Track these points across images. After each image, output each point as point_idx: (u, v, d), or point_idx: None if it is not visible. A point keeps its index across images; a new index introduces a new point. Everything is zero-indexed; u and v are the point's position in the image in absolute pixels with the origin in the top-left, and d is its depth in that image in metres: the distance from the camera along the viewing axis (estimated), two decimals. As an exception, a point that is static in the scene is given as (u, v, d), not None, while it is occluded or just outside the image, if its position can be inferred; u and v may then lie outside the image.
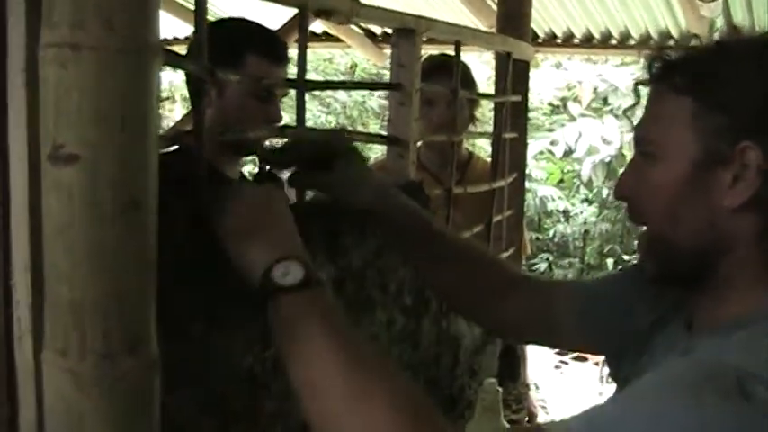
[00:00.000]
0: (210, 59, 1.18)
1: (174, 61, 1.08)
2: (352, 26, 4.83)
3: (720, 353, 0.96)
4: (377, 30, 5.07)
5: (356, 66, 12.22)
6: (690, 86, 1.04)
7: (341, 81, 2.37)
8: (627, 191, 1.14)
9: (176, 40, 5.51)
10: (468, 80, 2.53)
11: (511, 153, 2.56)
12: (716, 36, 1.09)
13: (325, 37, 5.28)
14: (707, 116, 1.02)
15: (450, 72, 2.20)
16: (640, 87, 1.19)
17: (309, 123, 11.46)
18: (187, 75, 1.62)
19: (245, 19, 2.02)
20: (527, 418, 2.69)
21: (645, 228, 1.14)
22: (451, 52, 2.08)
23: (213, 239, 1.11)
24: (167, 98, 10.45)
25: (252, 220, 1.08)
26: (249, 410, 1.26)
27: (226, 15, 5.00)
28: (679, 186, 1.05)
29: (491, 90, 2.80)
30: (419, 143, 2.04)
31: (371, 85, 3.27)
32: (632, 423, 0.87)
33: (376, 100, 11.82)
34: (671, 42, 4.32)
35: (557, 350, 7.64)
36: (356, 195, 1.39)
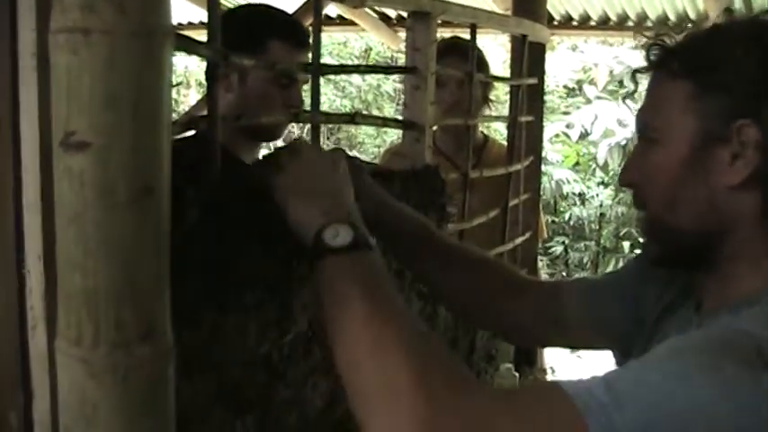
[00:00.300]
0: (233, 45, 1.17)
1: (187, 45, 1.07)
2: (367, 9, 4.80)
3: (733, 326, 0.96)
4: (391, 13, 5.04)
5: (371, 50, 12.20)
6: (686, 70, 1.06)
7: (356, 65, 2.36)
8: (632, 177, 1.15)
9: (191, 25, 5.51)
10: (480, 62, 2.51)
11: (527, 136, 2.54)
12: (712, 20, 1.10)
13: (340, 21, 5.26)
14: (703, 98, 1.04)
15: (460, 54, 2.19)
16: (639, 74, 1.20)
17: (324, 107, 11.46)
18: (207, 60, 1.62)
19: (267, 5, 2.02)
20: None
21: (645, 211, 1.15)
22: (466, 35, 2.06)
23: (229, 224, 1.10)
24: (180, 83, 10.45)
25: (312, 181, 1.12)
26: (263, 398, 1.25)
27: (242, 1, 5.01)
28: (680, 168, 1.07)
29: (506, 73, 2.78)
30: (434, 127, 2.03)
31: (386, 69, 3.24)
32: (652, 384, 0.87)
33: (391, 84, 11.79)
34: (671, 26, 4.29)
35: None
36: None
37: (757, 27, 1.06)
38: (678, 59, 1.08)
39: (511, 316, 1.45)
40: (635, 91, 1.24)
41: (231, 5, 4.88)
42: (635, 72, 1.20)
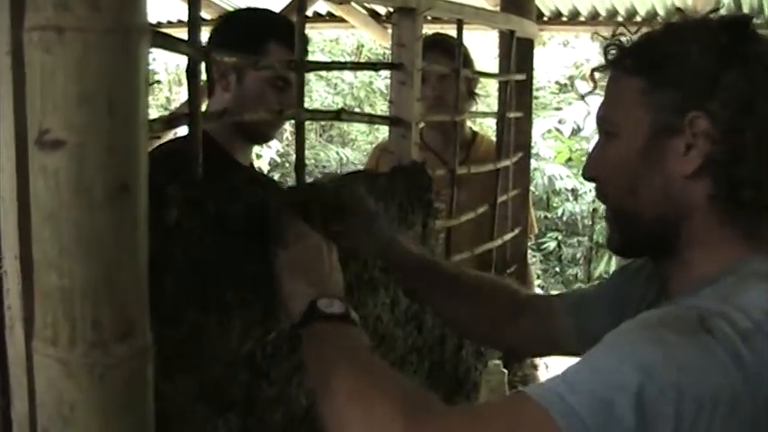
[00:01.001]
0: (233, 46, 1.17)
1: (167, 43, 1.06)
2: (357, 6, 4.79)
3: (687, 304, 1.02)
4: (381, 9, 5.04)
5: (362, 46, 12.18)
6: (640, 67, 1.13)
7: (340, 62, 2.35)
8: (594, 170, 1.21)
9: (180, 23, 5.49)
10: (464, 57, 2.51)
11: (516, 132, 2.54)
12: (664, 18, 1.16)
13: (330, 18, 5.25)
14: (656, 92, 1.11)
15: (442, 49, 2.19)
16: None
17: (316, 104, 11.47)
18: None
19: (266, 9, 2.04)
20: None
21: (607, 203, 1.22)
22: (454, 32, 2.06)
23: (211, 222, 1.10)
24: (156, 82, 10.39)
25: (310, 261, 1.23)
26: (246, 396, 1.25)
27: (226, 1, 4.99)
28: (636, 160, 1.13)
29: (496, 69, 2.77)
30: (421, 123, 2.02)
31: (372, 66, 3.22)
32: (599, 364, 0.94)
33: (383, 80, 11.77)
34: (629, 24, 4.28)
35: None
36: (367, 246, 1.51)
37: (706, 25, 1.12)
38: (632, 57, 1.15)
39: (510, 338, 1.55)
40: (593, 90, 1.30)
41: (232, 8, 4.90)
42: (593, 71, 1.27)
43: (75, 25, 0.75)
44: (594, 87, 1.30)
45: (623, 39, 1.19)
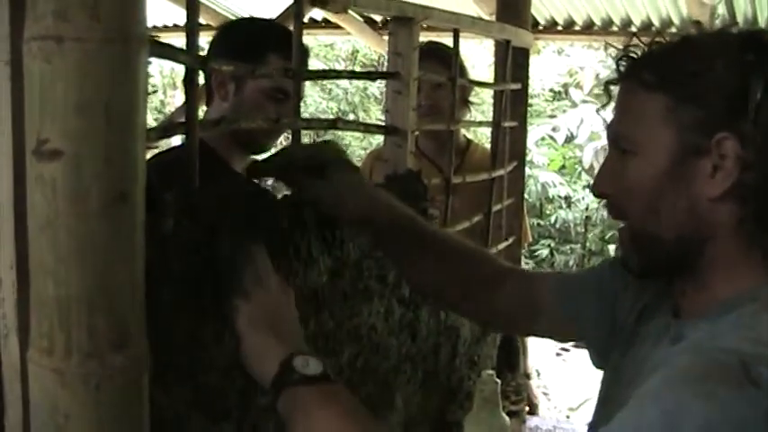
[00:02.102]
0: (232, 56, 1.16)
1: (165, 52, 1.06)
2: (353, 13, 4.80)
3: (713, 337, 0.98)
4: (377, 17, 5.04)
5: (357, 52, 12.19)
6: (660, 82, 1.06)
7: (338, 70, 2.35)
8: (606, 188, 1.15)
9: (176, 27, 5.49)
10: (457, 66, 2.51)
11: (511, 141, 2.54)
12: (678, 30, 1.12)
13: (326, 24, 5.25)
14: (681, 110, 1.04)
15: (436, 58, 2.19)
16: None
17: (311, 109, 11.46)
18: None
19: (266, 19, 2.05)
20: (527, 408, 2.68)
21: (625, 223, 1.16)
22: (449, 41, 2.06)
23: (208, 230, 1.10)
24: (153, 92, 10.37)
25: (272, 309, 1.13)
26: (241, 405, 1.24)
27: (222, 6, 4.99)
28: (659, 180, 1.07)
29: (491, 78, 2.77)
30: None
31: (369, 74, 3.22)
32: (653, 423, 0.87)
33: (378, 86, 11.79)
34: (640, 34, 4.30)
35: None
36: (349, 204, 1.42)
37: (727, 40, 1.06)
38: (652, 71, 1.08)
39: (490, 305, 1.48)
40: (607, 103, 1.23)
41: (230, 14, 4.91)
42: (607, 84, 1.20)
43: (75, 35, 0.75)
44: (609, 101, 1.22)
45: (635, 50, 1.13)
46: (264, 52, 1.84)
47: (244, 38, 1.88)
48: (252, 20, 2.22)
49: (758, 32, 1.07)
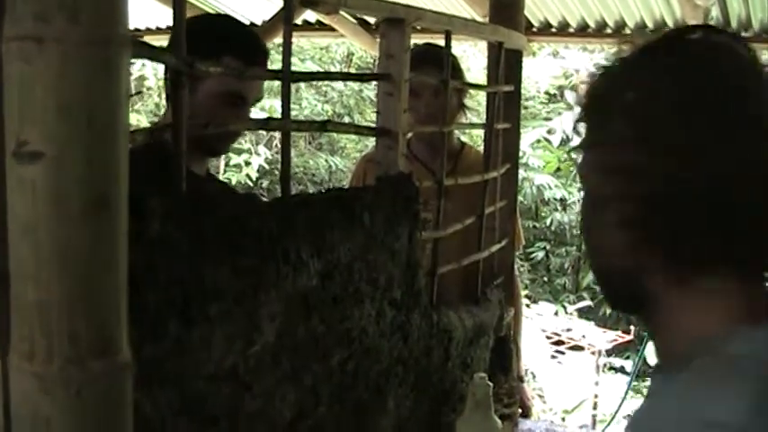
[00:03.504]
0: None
1: (151, 53, 1.05)
2: (346, 15, 4.79)
3: (652, 411, 0.96)
4: (371, 19, 5.04)
5: (353, 54, 12.19)
6: (585, 117, 1.05)
7: (328, 72, 2.35)
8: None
9: (159, 30, 5.48)
10: (454, 69, 2.50)
11: (504, 143, 2.53)
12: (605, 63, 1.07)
13: (320, 26, 5.24)
14: (591, 148, 1.04)
15: (435, 62, 2.17)
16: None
17: (306, 112, 11.47)
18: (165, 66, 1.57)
19: (227, 16, 1.98)
20: (521, 411, 2.68)
21: None
22: (442, 41, 2.05)
23: (192, 235, 1.09)
24: (139, 92, 10.35)
25: None
26: (229, 410, 1.24)
27: (212, 6, 4.97)
28: (586, 214, 1.06)
29: (485, 78, 2.76)
30: (409, 134, 2.02)
31: (359, 76, 3.21)
32: None
33: (373, 89, 11.79)
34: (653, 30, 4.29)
35: (553, 339, 7.66)
36: None
37: (629, 87, 1.00)
38: (584, 105, 1.06)
39: None
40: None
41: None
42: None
43: (55, 36, 0.74)
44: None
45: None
46: (220, 53, 1.79)
47: (198, 38, 1.81)
48: (208, 17, 2.13)
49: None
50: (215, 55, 1.75)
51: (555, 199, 11.31)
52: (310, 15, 5.03)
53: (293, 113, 1.44)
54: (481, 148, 2.61)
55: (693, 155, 0.91)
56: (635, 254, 0.97)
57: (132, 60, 0.86)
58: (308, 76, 1.94)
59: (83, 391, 0.79)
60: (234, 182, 10.98)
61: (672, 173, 0.92)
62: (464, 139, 3.12)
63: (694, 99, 0.93)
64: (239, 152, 10.99)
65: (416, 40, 2.12)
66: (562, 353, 7.31)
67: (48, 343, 0.78)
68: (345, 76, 4.03)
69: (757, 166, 0.91)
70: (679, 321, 0.98)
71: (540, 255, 11.38)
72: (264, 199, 1.47)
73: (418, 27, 1.82)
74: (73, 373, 0.79)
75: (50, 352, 0.78)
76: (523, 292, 7.38)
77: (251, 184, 11.17)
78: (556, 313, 9.59)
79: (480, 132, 2.52)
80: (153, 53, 1.06)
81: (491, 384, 1.88)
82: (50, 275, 0.77)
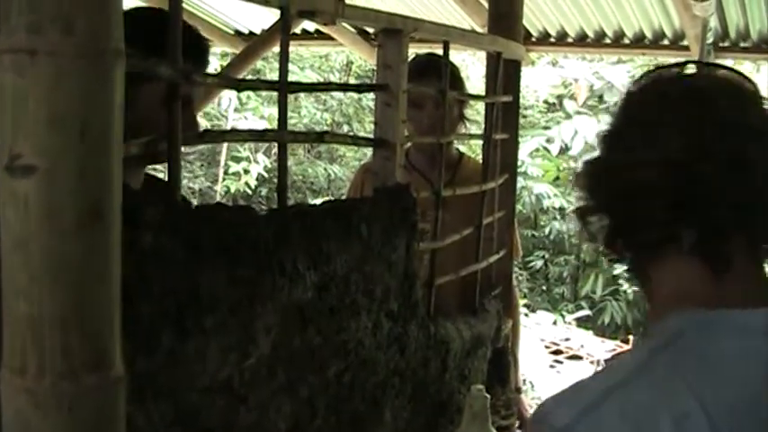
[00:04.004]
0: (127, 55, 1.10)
1: (143, 65, 1.05)
2: (345, 24, 4.79)
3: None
4: (370, 28, 5.04)
5: (352, 63, 12.20)
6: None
7: (326, 83, 2.34)
8: None
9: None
10: (455, 79, 2.49)
11: (502, 154, 2.52)
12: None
13: (318, 35, 5.25)
14: None
15: (437, 73, 2.16)
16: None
17: (305, 121, 11.47)
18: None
19: (165, 12, 1.67)
20: (518, 423, 2.66)
21: None
22: (441, 51, 2.05)
23: (187, 246, 1.08)
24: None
25: None
26: (224, 423, 1.23)
27: (209, 14, 4.94)
28: None
29: (484, 87, 2.75)
30: (407, 144, 2.01)
31: (357, 87, 3.20)
32: None
33: (373, 98, 11.78)
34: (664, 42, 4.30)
35: (552, 349, 7.65)
36: None
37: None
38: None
39: None
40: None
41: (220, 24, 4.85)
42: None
43: (48, 49, 0.74)
44: None
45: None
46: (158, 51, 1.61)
47: (141, 34, 1.54)
48: (145, 11, 1.89)
49: None
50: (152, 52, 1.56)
51: (554, 208, 11.31)
52: (309, 24, 5.03)
53: (292, 122, 1.43)
54: (479, 158, 2.60)
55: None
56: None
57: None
58: (306, 87, 1.93)
59: (75, 406, 0.78)
60: (233, 190, 10.98)
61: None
62: (462, 149, 3.11)
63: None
64: (238, 160, 11.00)
65: (415, 49, 2.12)
66: (561, 362, 7.30)
67: (40, 358, 0.77)
68: (343, 87, 4.02)
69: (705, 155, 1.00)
70: (653, 302, 1.10)
71: (539, 264, 11.37)
72: (263, 208, 1.46)
73: (416, 37, 1.82)
74: (65, 388, 0.78)
75: (42, 367, 0.77)
76: (522, 302, 7.37)
77: (249, 192, 11.17)
78: (554, 322, 9.58)
79: (479, 142, 2.51)
80: (148, 65, 1.06)
81: (488, 396, 1.87)
82: (42, 289, 0.77)
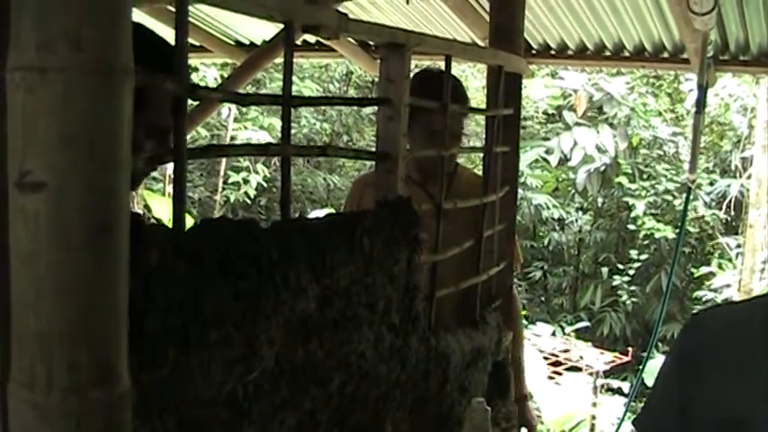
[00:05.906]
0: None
1: (152, 80, 1.05)
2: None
3: None
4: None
5: (352, 73, 12.22)
6: None
7: (328, 97, 2.35)
8: None
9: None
10: (460, 95, 2.49)
11: (503, 166, 2.53)
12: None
13: (319, 47, 5.25)
14: None
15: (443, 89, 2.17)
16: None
17: (305, 131, 11.49)
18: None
19: (138, 24, 1.46)
20: (525, 430, 2.67)
21: None
22: (442, 63, 2.05)
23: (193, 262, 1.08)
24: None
25: None
26: (228, 437, 1.23)
27: (213, 27, 4.94)
28: None
29: (484, 99, 2.76)
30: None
31: (359, 101, 3.22)
32: None
33: (372, 108, 11.80)
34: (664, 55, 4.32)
35: (550, 360, 7.64)
36: None
37: None
38: None
39: None
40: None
41: (223, 36, 4.86)
42: None
43: (58, 66, 0.74)
44: None
45: None
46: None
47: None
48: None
49: None
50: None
51: (553, 219, 11.33)
52: (310, 36, 5.04)
53: (291, 132, 1.43)
54: (476, 170, 2.61)
55: None
56: None
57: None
58: (310, 102, 1.94)
59: (82, 421, 0.79)
60: (232, 200, 10.99)
61: None
62: (460, 160, 3.11)
63: None
64: (238, 170, 11.01)
65: (416, 61, 2.12)
66: (560, 374, 7.29)
67: (48, 373, 0.78)
68: (346, 102, 4.03)
69: None
70: None
71: (538, 274, 11.38)
72: (263, 218, 1.47)
73: (418, 50, 1.83)
74: (73, 403, 0.78)
75: (50, 382, 0.78)
76: (522, 313, 7.37)
77: (249, 202, 11.18)
78: (553, 333, 9.57)
79: (478, 154, 2.51)
80: (156, 80, 1.06)
81: (489, 409, 1.87)
82: (51, 305, 0.77)
